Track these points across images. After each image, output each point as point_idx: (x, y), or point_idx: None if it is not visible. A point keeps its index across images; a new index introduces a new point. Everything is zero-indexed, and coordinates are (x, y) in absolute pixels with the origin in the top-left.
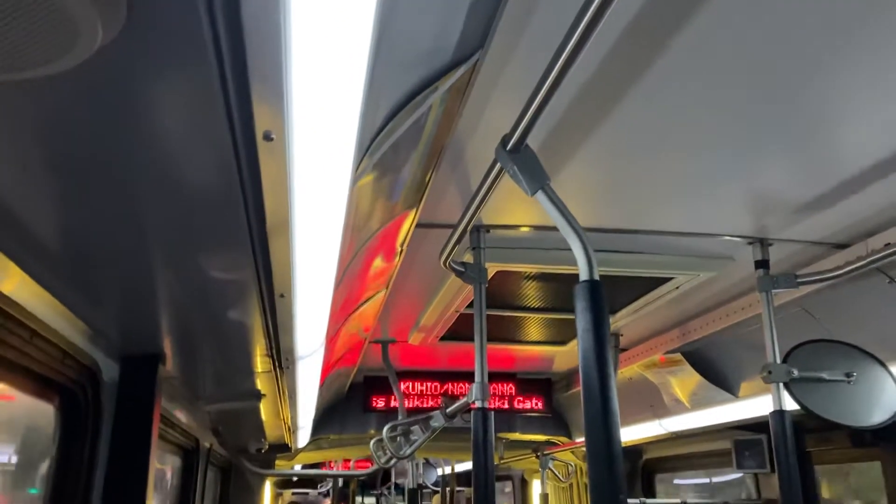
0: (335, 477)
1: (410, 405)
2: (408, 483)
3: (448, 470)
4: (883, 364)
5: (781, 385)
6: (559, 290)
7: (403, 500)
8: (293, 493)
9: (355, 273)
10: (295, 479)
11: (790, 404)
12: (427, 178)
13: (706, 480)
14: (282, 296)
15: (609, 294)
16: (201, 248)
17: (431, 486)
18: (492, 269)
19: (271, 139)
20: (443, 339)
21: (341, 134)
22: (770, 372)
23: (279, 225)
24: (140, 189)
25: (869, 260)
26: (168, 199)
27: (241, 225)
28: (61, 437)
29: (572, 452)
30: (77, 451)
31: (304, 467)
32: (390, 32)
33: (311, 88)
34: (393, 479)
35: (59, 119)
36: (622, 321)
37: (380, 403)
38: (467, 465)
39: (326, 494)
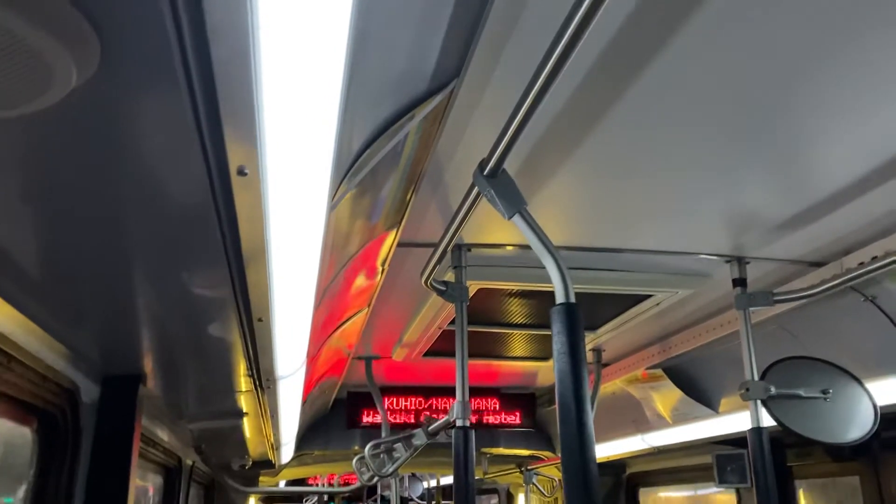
0: (319, 493)
1: (395, 420)
2: (393, 499)
3: (434, 482)
4: (859, 381)
5: (759, 402)
6: (541, 306)
7: None
8: None
9: (336, 292)
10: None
11: (768, 421)
12: (407, 199)
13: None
14: (260, 319)
15: (591, 310)
16: (179, 273)
17: (417, 500)
18: (473, 286)
19: (245, 174)
20: (426, 354)
21: (316, 164)
22: (748, 389)
23: (255, 253)
24: (118, 215)
25: (844, 279)
26: (146, 226)
27: (218, 253)
28: (39, 459)
29: (556, 467)
30: (55, 473)
31: (288, 483)
32: (363, 65)
33: (284, 123)
34: (379, 491)
35: (38, 153)
36: (604, 337)
37: (364, 419)
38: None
39: None
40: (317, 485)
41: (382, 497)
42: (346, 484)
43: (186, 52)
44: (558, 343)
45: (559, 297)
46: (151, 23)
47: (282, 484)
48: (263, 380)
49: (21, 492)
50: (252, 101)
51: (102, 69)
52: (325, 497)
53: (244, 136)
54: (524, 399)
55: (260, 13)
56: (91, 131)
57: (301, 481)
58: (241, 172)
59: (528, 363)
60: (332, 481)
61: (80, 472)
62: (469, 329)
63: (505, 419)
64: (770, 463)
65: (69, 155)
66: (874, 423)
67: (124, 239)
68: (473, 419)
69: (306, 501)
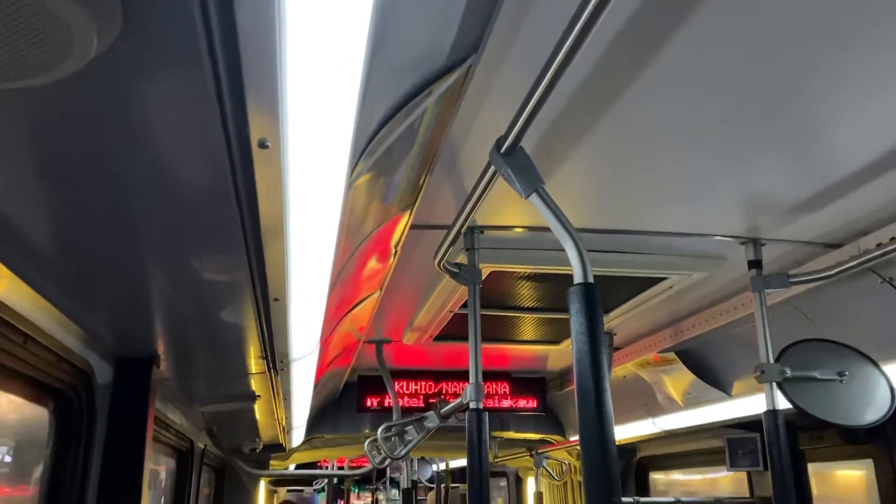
0: (330, 476)
1: (405, 404)
2: (402, 481)
3: (443, 466)
4: (875, 363)
5: (774, 384)
6: (553, 289)
7: (399, 495)
8: (288, 491)
9: (350, 275)
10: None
11: (783, 403)
12: (421, 181)
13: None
14: (276, 300)
15: (603, 293)
16: (195, 252)
17: (426, 483)
18: (486, 269)
19: (266, 147)
20: (437, 338)
21: (336, 140)
22: (763, 371)
23: (274, 230)
24: (134, 193)
25: (861, 260)
26: (162, 202)
27: (236, 230)
28: (55, 440)
29: (567, 451)
30: (71, 454)
31: (297, 467)
32: (385, 39)
33: (307, 96)
34: (388, 474)
35: (55, 125)
36: (616, 320)
37: (374, 403)
38: (462, 462)
39: (322, 490)
40: (326, 468)
41: (392, 479)
42: (358, 467)
43: (210, 18)
44: (577, 323)
45: (577, 278)
46: None
47: (292, 467)
48: (277, 362)
49: (37, 472)
50: (276, 71)
51: (124, 35)
52: (335, 480)
53: (267, 108)
54: (535, 383)
55: None
56: (109, 102)
57: (311, 465)
58: (262, 145)
59: (538, 347)
60: (342, 465)
61: (95, 453)
62: (481, 312)
63: (515, 403)
64: (786, 446)
65: (86, 128)
66: (891, 406)
67: (141, 218)
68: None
69: (316, 483)
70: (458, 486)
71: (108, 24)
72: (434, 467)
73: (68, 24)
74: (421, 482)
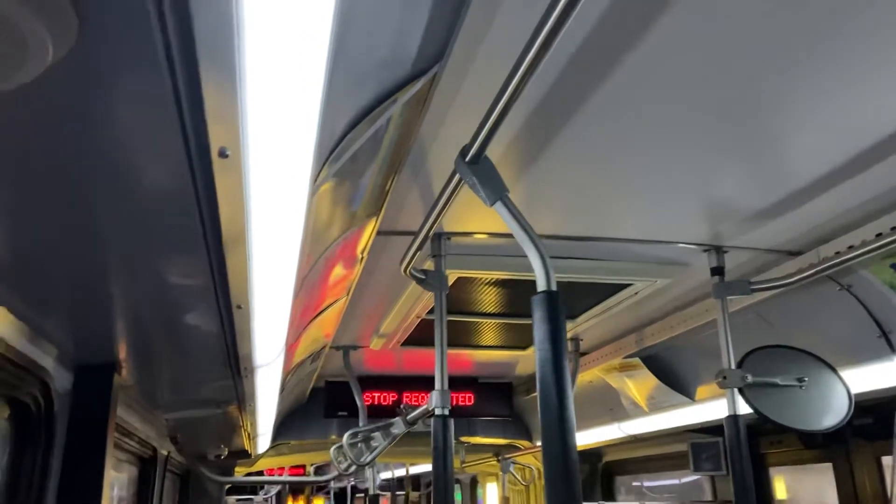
0: (293, 484)
1: (373, 410)
2: (371, 487)
3: (390, 473)
4: (833, 369)
5: (735, 390)
6: (520, 296)
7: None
8: (237, 501)
9: (315, 281)
10: (237, 485)
11: (744, 408)
12: (388, 187)
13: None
14: (239, 307)
15: (570, 299)
16: (156, 259)
17: (379, 490)
18: (453, 275)
19: (227, 156)
20: (404, 344)
21: (299, 148)
22: (725, 377)
23: (235, 238)
24: (94, 199)
25: (820, 268)
26: (123, 209)
27: (197, 237)
28: (12, 449)
29: (533, 456)
30: (28, 463)
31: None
32: (347, 47)
33: (267, 104)
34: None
35: (12, 131)
36: (582, 326)
37: (341, 409)
38: (418, 468)
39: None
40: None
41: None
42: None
43: (168, 27)
44: (539, 331)
45: (540, 285)
46: None
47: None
48: (241, 368)
49: None
50: (235, 80)
51: (81, 44)
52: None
53: (226, 117)
54: (502, 388)
55: None
56: (67, 110)
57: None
58: (222, 154)
59: (506, 352)
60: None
61: (54, 462)
62: (448, 318)
63: (482, 408)
64: (746, 450)
65: (44, 135)
66: (848, 411)
67: (100, 224)
68: (451, 408)
69: (263, 492)
70: (400, 494)
71: (63, 32)
72: (390, 474)
73: (22, 33)
74: (359, 489)
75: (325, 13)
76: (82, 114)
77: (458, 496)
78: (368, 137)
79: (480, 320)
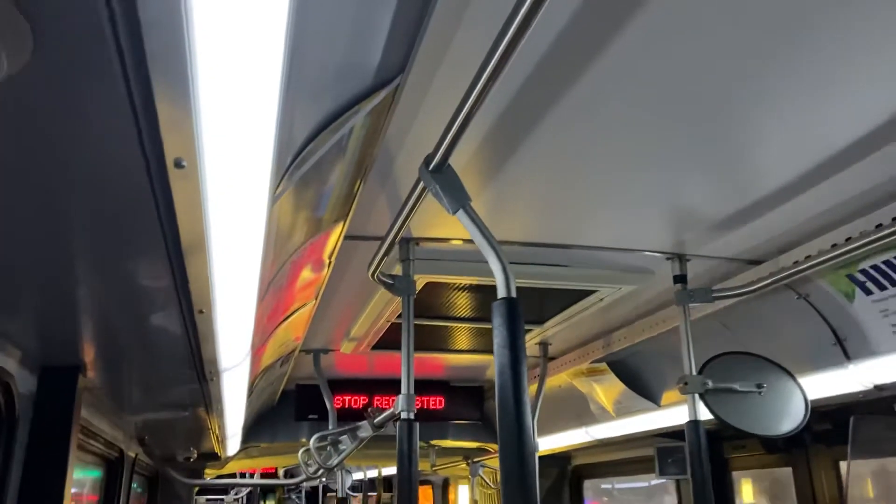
0: (263, 486)
1: (343, 413)
2: (339, 489)
3: (361, 475)
4: (791, 375)
5: (696, 396)
6: (489, 300)
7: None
8: (207, 501)
9: (282, 285)
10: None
11: (705, 414)
12: (354, 192)
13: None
14: (201, 311)
15: (538, 304)
16: (119, 262)
17: (349, 491)
18: (421, 280)
19: (182, 166)
20: (375, 347)
21: (257, 156)
22: (686, 383)
23: (195, 245)
24: (57, 205)
25: (779, 276)
26: (85, 214)
27: (158, 243)
28: None
29: None
30: None
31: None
32: (305, 58)
33: (223, 115)
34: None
35: None
36: (551, 331)
37: (312, 412)
38: (393, 470)
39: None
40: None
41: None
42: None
43: (120, 41)
44: (499, 337)
45: (500, 292)
46: (85, 12)
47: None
48: (207, 371)
49: None
50: (188, 93)
51: (35, 59)
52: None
53: (181, 129)
54: (472, 392)
55: (195, 2)
56: (25, 122)
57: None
58: (178, 165)
59: (476, 356)
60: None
61: (15, 464)
62: (417, 322)
63: (453, 412)
64: (706, 455)
65: (4, 144)
66: (805, 416)
67: (61, 230)
68: (421, 411)
69: (235, 492)
70: (372, 495)
71: (17, 45)
72: (362, 475)
73: None
74: (330, 489)
75: (278, 26)
76: (41, 125)
77: None
78: (332, 145)
79: (451, 324)
